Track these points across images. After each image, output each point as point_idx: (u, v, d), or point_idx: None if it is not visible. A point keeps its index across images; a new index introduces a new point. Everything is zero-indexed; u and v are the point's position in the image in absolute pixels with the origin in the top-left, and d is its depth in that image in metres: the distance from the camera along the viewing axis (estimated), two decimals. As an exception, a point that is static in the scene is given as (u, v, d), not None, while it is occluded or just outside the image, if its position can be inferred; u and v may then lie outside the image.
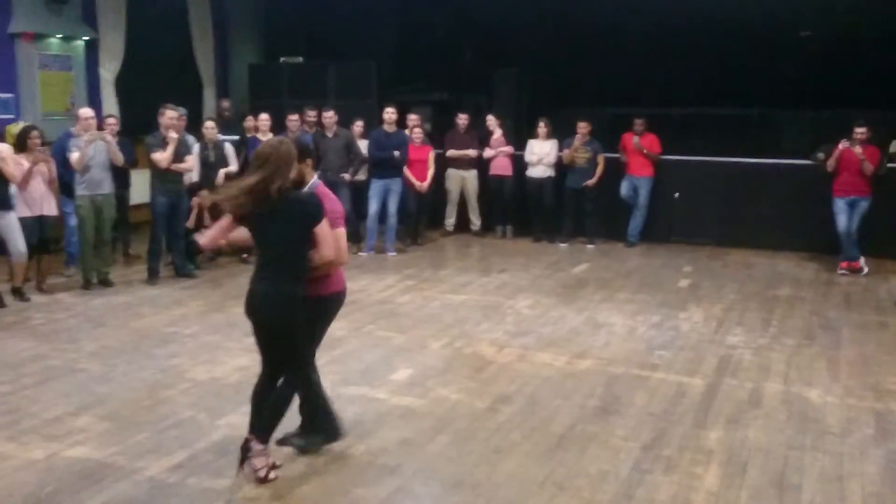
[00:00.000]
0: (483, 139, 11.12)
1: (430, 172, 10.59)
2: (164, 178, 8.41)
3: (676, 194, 10.83)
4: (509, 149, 10.93)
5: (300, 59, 12.78)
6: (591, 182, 10.56)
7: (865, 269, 9.11)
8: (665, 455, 4.56)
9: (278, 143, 4.09)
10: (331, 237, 4.09)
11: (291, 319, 4.10)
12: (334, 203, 4.29)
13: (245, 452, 4.19)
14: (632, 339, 6.71)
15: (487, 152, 11.01)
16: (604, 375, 5.82)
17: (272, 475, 4.18)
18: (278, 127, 10.07)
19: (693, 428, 4.93)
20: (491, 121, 11.06)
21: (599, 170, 10.57)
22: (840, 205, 9.13)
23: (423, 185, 10.52)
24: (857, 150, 8.93)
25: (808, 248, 10.05)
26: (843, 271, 9.13)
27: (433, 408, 5.21)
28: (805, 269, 9.46)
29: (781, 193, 10.32)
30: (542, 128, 10.72)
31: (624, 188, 10.71)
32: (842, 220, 9.11)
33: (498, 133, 11.00)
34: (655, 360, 6.16)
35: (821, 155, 9.38)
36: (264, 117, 9.94)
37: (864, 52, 11.48)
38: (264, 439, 4.22)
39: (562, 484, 4.23)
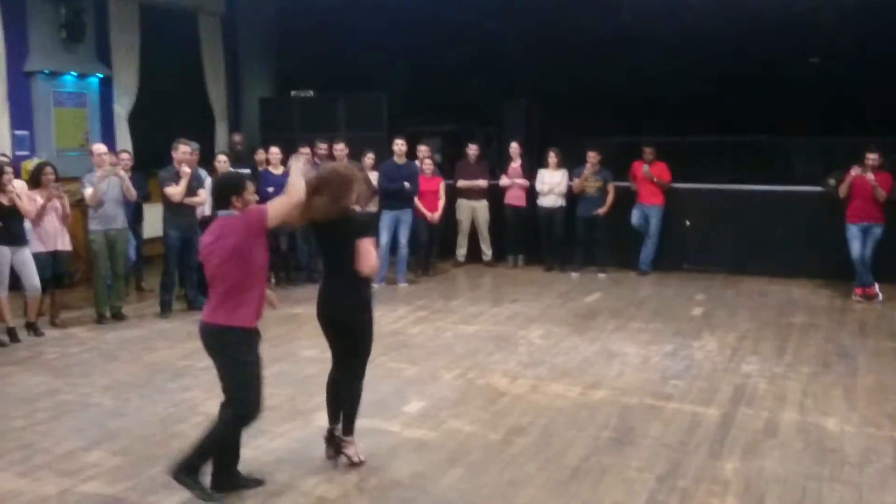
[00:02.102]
0: (501, 166, 11.15)
1: (441, 203, 10.64)
2: (177, 212, 8.47)
3: (687, 222, 10.82)
4: (524, 182, 10.97)
5: (311, 93, 12.90)
6: (601, 211, 10.58)
7: (880, 296, 9.04)
8: (681, 486, 4.51)
9: (337, 169, 4.64)
10: (367, 252, 4.50)
11: (351, 319, 4.61)
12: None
13: (332, 443, 4.73)
14: (645, 368, 6.67)
15: (504, 180, 11.05)
16: (618, 406, 5.77)
17: (363, 457, 4.72)
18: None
19: (708, 458, 4.87)
20: (514, 149, 11.10)
21: (610, 198, 10.58)
22: (853, 231, 9.09)
23: (434, 215, 10.56)
24: (870, 176, 8.91)
25: (822, 274, 9.98)
26: (857, 298, 9.07)
27: (446, 440, 5.18)
28: (819, 296, 9.39)
29: (794, 220, 10.29)
30: (552, 158, 10.76)
31: (635, 217, 10.70)
32: (855, 247, 9.07)
33: (517, 163, 11.04)
34: (670, 390, 6.11)
35: (832, 181, 9.38)
36: (275, 150, 10.02)
37: (875, 77, 11.47)
38: (348, 430, 4.70)
39: (577, 517, 4.18)
